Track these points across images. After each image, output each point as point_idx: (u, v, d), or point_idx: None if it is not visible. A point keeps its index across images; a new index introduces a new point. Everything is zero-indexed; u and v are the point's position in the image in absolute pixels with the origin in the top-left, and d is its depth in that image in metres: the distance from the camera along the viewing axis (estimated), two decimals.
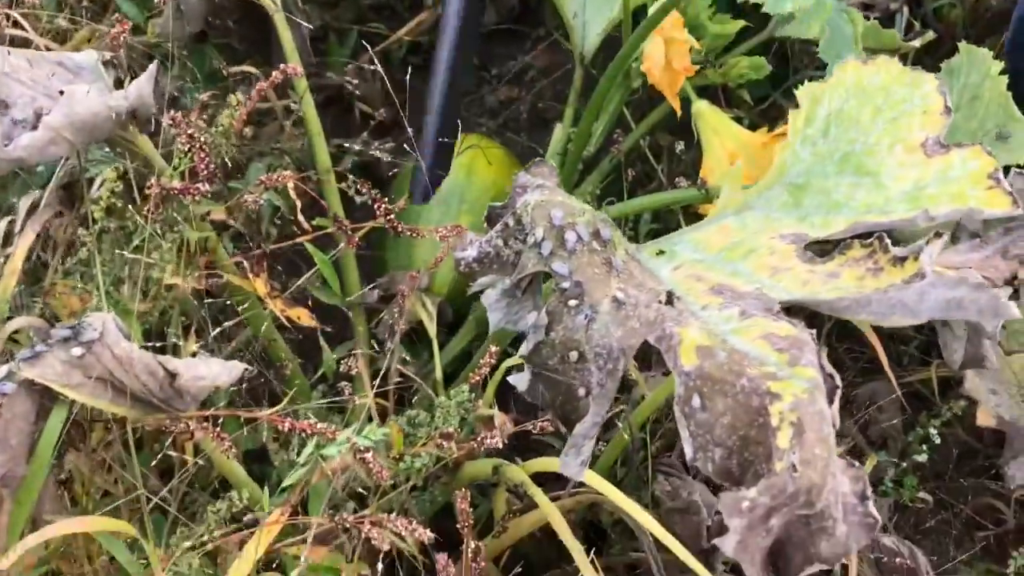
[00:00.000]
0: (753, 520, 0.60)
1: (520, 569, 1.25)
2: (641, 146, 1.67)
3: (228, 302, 1.13)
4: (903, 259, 0.69)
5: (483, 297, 0.80)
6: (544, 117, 1.98)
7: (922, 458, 1.32)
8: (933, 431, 1.31)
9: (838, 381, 0.64)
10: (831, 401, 0.64)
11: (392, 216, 1.02)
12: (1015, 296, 1.17)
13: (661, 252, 0.87)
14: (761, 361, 0.64)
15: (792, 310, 0.78)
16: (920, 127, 0.80)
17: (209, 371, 0.82)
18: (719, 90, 1.63)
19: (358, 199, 1.52)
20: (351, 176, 1.42)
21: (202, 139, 0.90)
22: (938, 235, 0.67)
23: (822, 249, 0.80)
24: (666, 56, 1.31)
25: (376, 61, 2.01)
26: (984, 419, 1.29)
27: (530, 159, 2.05)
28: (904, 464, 1.37)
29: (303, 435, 0.83)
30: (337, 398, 1.09)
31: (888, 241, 0.71)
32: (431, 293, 1.52)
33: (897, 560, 1.20)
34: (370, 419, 1.11)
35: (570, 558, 1.33)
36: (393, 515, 0.83)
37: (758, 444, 0.61)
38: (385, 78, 1.82)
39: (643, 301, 0.74)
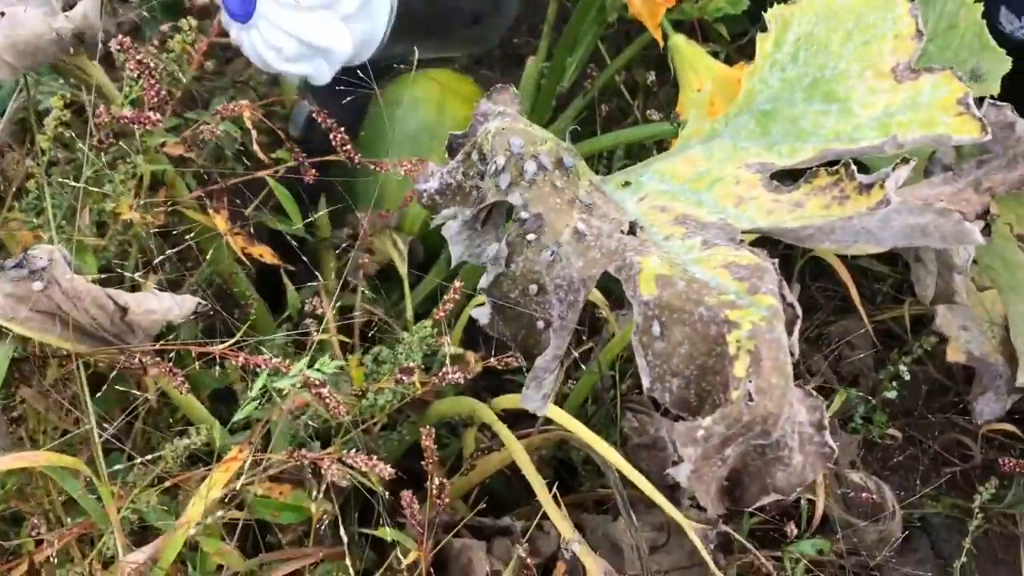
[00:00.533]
0: (708, 450, 0.59)
1: (489, 505, 1.26)
2: (616, 81, 1.64)
3: (188, 239, 1.10)
4: (869, 186, 0.68)
5: (444, 229, 0.78)
6: (518, 53, 1.94)
7: (892, 395, 1.32)
8: (903, 368, 1.31)
9: (798, 310, 0.63)
10: (791, 331, 0.62)
11: (349, 147, 0.99)
12: (987, 230, 1.16)
13: (627, 183, 0.85)
14: (721, 290, 0.63)
15: (763, 243, 0.76)
16: (891, 52, 0.78)
17: (160, 305, 0.80)
18: (696, 24, 1.60)
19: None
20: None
21: (152, 65, 0.87)
22: (905, 161, 0.66)
23: (791, 178, 0.78)
24: None
25: None
26: (954, 355, 1.29)
27: None
28: (874, 401, 1.37)
29: (257, 370, 0.81)
30: (299, 334, 1.07)
31: (854, 168, 0.69)
32: (402, 232, 1.50)
33: (863, 495, 1.20)
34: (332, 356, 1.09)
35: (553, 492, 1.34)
36: (354, 452, 0.82)
37: (715, 374, 0.60)
38: None
39: (605, 231, 0.73)
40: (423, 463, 0.98)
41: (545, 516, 1.24)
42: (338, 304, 1.38)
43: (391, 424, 1.26)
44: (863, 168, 0.75)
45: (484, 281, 0.74)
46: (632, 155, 1.52)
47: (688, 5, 1.47)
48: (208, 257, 1.22)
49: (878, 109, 0.76)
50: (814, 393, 0.61)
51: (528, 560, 0.92)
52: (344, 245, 1.47)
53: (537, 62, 1.54)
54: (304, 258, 1.38)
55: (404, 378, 0.89)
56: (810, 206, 0.71)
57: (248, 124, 0.98)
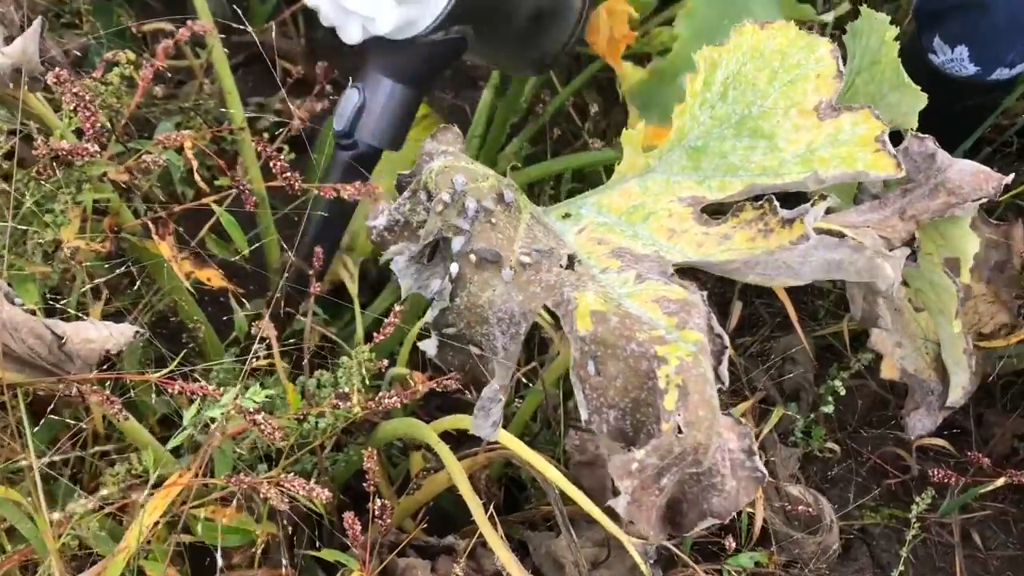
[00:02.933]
0: (645, 480, 0.61)
1: (438, 524, 1.28)
2: (566, 106, 1.67)
3: (138, 265, 1.11)
4: (791, 221, 0.71)
5: (392, 264, 0.80)
6: (472, 76, 1.97)
7: (829, 409, 1.36)
8: (838, 383, 1.35)
9: (726, 341, 0.65)
10: (720, 361, 0.65)
11: (289, 175, 1.00)
12: (912, 256, 1.21)
13: (567, 215, 0.87)
14: (652, 325, 0.65)
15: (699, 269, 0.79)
16: (814, 90, 0.81)
17: (99, 334, 0.80)
18: (643, 57, 1.64)
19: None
20: (266, 134, 1.40)
21: (87, 97, 0.87)
22: (822, 197, 0.69)
23: (722, 211, 0.81)
24: (609, 26, 1.32)
25: (298, 18, 1.98)
26: (888, 372, 1.33)
27: (457, 118, 2.03)
28: (813, 415, 1.41)
29: (194, 397, 0.82)
30: (237, 360, 1.08)
31: (776, 204, 0.72)
32: (353, 253, 1.51)
33: (800, 508, 1.24)
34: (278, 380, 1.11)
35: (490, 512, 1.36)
36: (291, 476, 0.83)
37: (648, 406, 0.63)
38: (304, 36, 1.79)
39: (545, 265, 0.75)
40: (365, 484, 0.99)
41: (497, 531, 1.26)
42: (290, 326, 1.39)
43: (341, 444, 1.27)
44: (800, 199, 0.78)
45: (430, 315, 0.76)
46: (583, 178, 1.55)
47: (637, 40, 1.51)
48: (161, 282, 1.22)
49: (802, 145, 0.80)
50: (742, 421, 0.64)
51: None
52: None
53: (490, 88, 1.56)
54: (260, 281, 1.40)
55: (340, 404, 0.90)
56: (737, 239, 0.74)
57: (189, 153, 0.98)
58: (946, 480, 1.23)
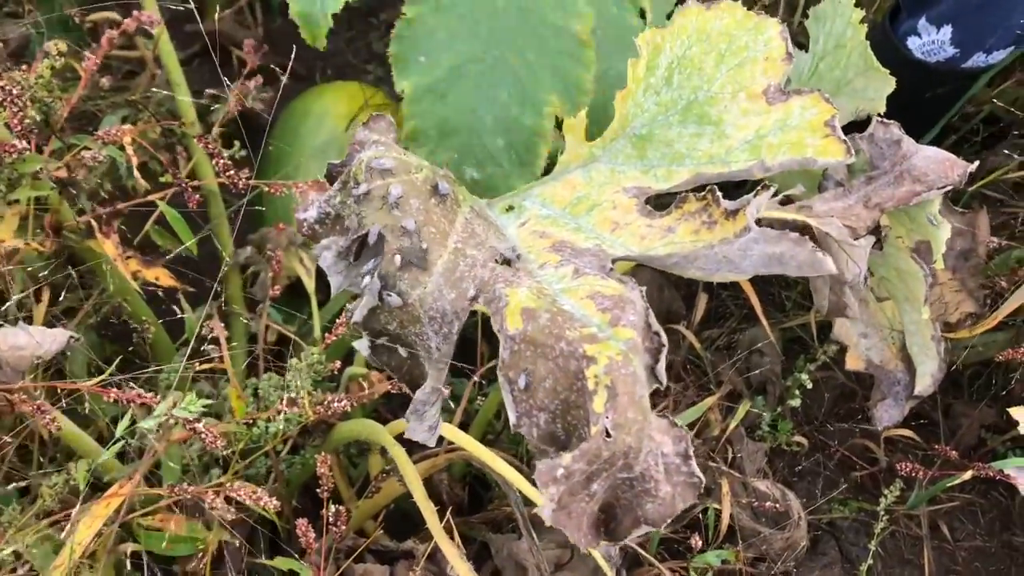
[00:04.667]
0: (573, 486, 0.59)
1: (401, 526, 1.25)
2: None
3: (77, 264, 1.07)
4: (735, 212, 0.68)
5: (320, 260, 0.77)
6: None
7: (795, 403, 1.34)
8: (804, 376, 1.32)
9: (663, 339, 0.63)
10: (656, 360, 0.62)
11: (232, 173, 0.97)
12: (878, 244, 1.19)
13: (511, 208, 0.84)
14: (584, 322, 0.62)
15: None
16: (763, 74, 0.78)
17: (29, 341, 0.77)
18: None
19: (225, 153, 1.46)
20: (215, 128, 1.37)
21: (15, 91, 0.84)
22: (765, 187, 0.66)
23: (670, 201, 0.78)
24: None
25: (255, 6, 1.94)
26: (853, 363, 1.31)
27: None
28: (780, 409, 1.39)
29: (132, 405, 0.79)
30: (193, 360, 1.04)
31: (719, 194, 0.69)
32: (308, 249, 1.48)
33: (767, 504, 1.22)
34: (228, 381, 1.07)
35: (452, 511, 1.33)
36: (238, 483, 0.80)
37: (579, 408, 0.60)
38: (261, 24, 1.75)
39: (480, 260, 0.72)
40: (319, 490, 0.96)
41: (453, 537, 1.23)
42: (245, 326, 1.36)
43: (298, 446, 1.24)
44: (755, 188, 0.75)
45: (358, 315, 0.72)
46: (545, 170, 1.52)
47: None
48: (107, 281, 1.19)
49: (750, 131, 0.77)
50: (678, 424, 0.62)
51: None
52: (251, 265, 1.45)
53: None
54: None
55: (287, 408, 0.87)
56: (681, 231, 0.71)
57: (130, 149, 0.95)
58: (913, 473, 1.21)
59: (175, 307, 1.26)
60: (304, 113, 1.63)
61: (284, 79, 1.65)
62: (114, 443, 0.82)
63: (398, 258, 0.71)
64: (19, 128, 0.85)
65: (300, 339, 1.34)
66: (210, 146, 0.96)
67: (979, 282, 1.35)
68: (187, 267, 1.55)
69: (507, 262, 0.73)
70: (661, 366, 0.63)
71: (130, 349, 1.26)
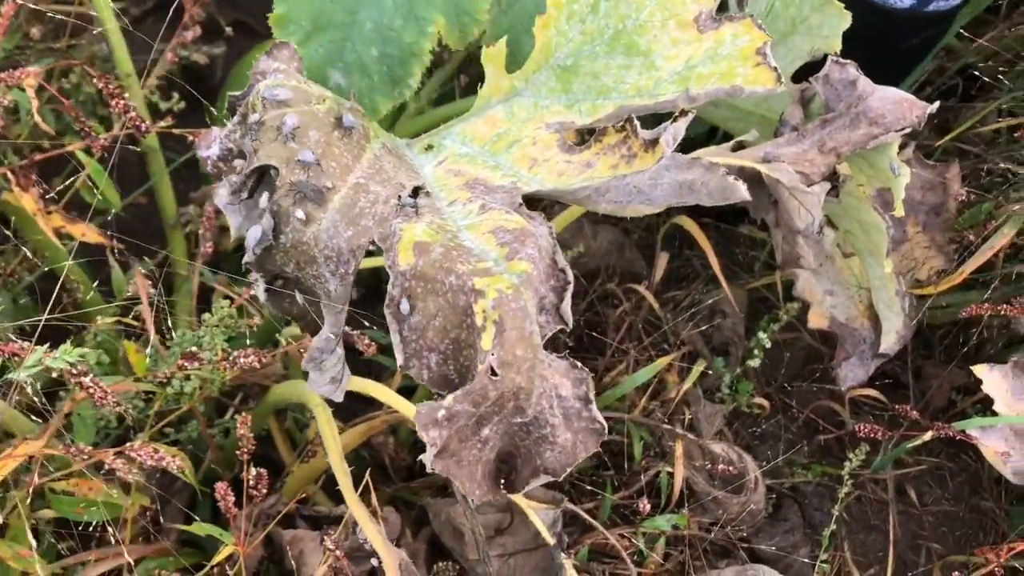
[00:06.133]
0: (461, 431, 0.54)
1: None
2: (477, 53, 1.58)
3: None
4: (654, 143, 0.63)
5: (215, 198, 0.72)
6: None
7: (755, 364, 1.29)
8: (763, 336, 1.28)
9: (569, 276, 0.58)
10: (561, 298, 0.57)
11: (140, 125, 0.91)
12: (834, 192, 1.13)
13: (430, 147, 0.79)
14: (481, 257, 0.57)
15: None
16: (694, 0, 0.73)
17: None
18: None
19: (164, 106, 1.41)
20: (148, 80, 1.31)
21: None
22: (684, 113, 0.61)
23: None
24: None
25: None
26: (816, 321, 1.26)
27: None
28: (739, 370, 1.34)
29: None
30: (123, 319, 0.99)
31: (637, 124, 0.64)
32: None
33: (722, 467, 1.17)
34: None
35: (399, 476, 1.29)
36: (141, 444, 0.75)
37: (470, 347, 0.55)
38: None
39: (383, 197, 0.67)
40: (239, 451, 0.91)
41: (388, 503, 1.19)
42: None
43: (239, 410, 1.19)
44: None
45: (250, 255, 0.67)
46: None
47: None
48: (32, 238, 1.14)
49: (680, 62, 0.72)
50: (579, 365, 0.57)
51: (337, 553, 0.86)
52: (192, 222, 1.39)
53: None
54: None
55: (187, 364, 0.82)
56: (600, 166, 0.66)
57: (31, 92, 0.89)
58: (873, 435, 1.17)
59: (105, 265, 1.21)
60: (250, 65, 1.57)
61: (229, 33, 1.59)
62: None
63: (293, 192, 0.66)
64: None
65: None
66: (110, 89, 0.90)
67: (948, 237, 1.30)
68: (134, 225, 1.50)
69: (415, 197, 0.68)
70: (566, 304, 0.58)
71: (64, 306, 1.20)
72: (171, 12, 1.36)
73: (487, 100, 0.78)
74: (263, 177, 0.71)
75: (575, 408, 0.56)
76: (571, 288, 0.58)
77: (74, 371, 0.69)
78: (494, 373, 0.52)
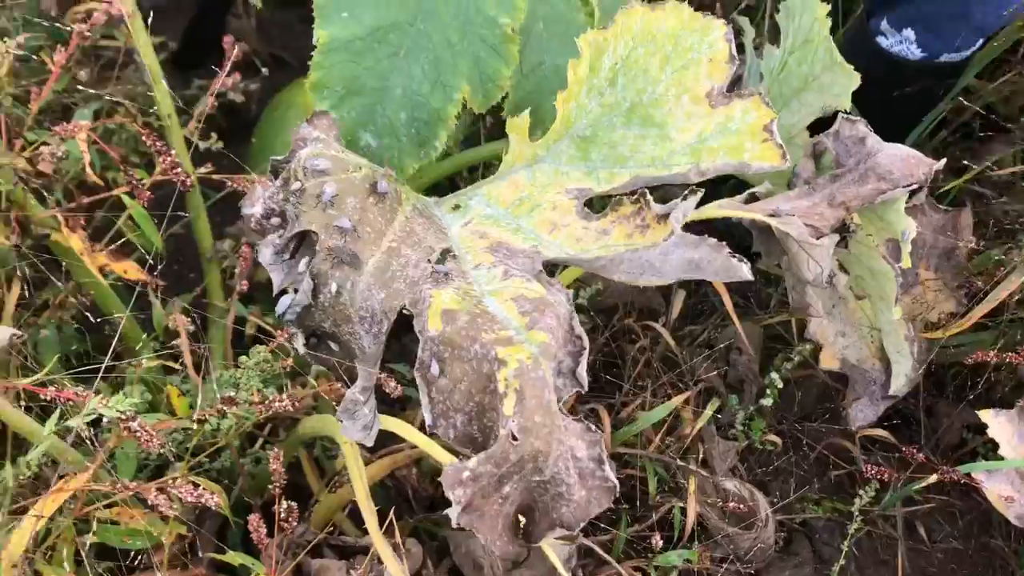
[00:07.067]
0: (484, 489, 0.59)
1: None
2: None
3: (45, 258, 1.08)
4: (666, 216, 0.68)
5: (259, 257, 0.77)
6: None
7: (768, 402, 1.33)
8: (776, 376, 1.31)
9: (585, 342, 0.62)
10: (577, 363, 0.62)
11: (178, 170, 0.97)
12: (844, 243, 1.17)
13: (457, 207, 0.84)
14: (505, 324, 0.62)
15: None
16: (707, 76, 0.78)
17: None
18: None
19: (202, 145, 1.47)
20: (192, 122, 1.37)
21: None
22: (693, 191, 0.66)
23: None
24: None
25: None
26: (827, 362, 1.30)
27: None
28: (752, 407, 1.38)
29: (70, 403, 0.80)
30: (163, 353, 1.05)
31: (651, 198, 0.69)
32: None
33: (733, 504, 1.21)
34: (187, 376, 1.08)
35: (421, 507, 1.33)
36: (179, 481, 0.80)
37: (493, 411, 0.60)
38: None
39: (413, 260, 0.72)
40: (271, 486, 0.97)
41: (411, 534, 1.24)
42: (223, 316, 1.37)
43: (269, 441, 1.25)
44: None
45: (291, 313, 0.73)
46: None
47: None
48: (78, 275, 1.20)
49: (692, 134, 0.76)
50: (593, 428, 0.61)
51: None
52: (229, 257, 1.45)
53: None
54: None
55: (226, 408, 0.88)
56: (615, 234, 0.71)
57: (82, 145, 0.95)
58: (881, 476, 1.20)
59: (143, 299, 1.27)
60: (288, 105, 1.63)
61: (265, 71, 1.66)
62: (42, 446, 0.82)
63: (331, 257, 0.71)
64: None
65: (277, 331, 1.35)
66: (159, 144, 0.96)
67: (958, 282, 1.33)
68: (171, 261, 1.56)
69: (442, 262, 0.73)
70: (582, 368, 0.63)
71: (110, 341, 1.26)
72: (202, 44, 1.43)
73: (511, 165, 0.83)
74: (304, 239, 0.76)
75: (589, 468, 0.60)
76: (586, 353, 0.63)
77: (123, 417, 0.75)
78: (515, 437, 0.57)
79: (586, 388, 0.63)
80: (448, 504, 1.29)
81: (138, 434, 0.76)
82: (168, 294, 1.30)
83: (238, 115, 1.80)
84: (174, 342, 1.17)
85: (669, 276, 0.65)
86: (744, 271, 0.64)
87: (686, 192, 0.67)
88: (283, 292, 1.21)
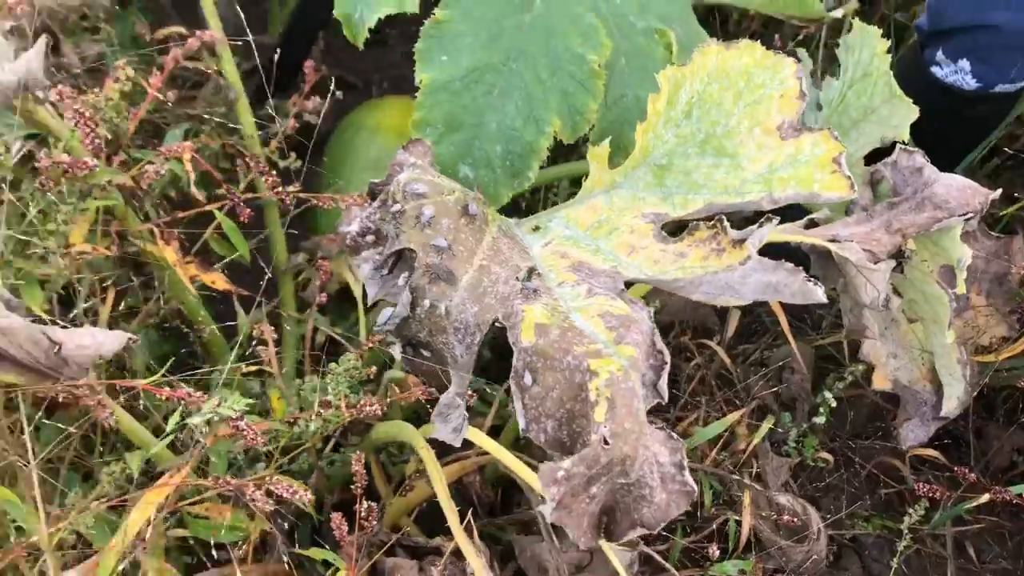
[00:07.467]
0: (574, 488, 0.64)
1: (436, 524, 1.31)
2: None
3: (139, 268, 1.16)
4: (741, 241, 0.73)
5: (359, 272, 0.84)
6: None
7: (821, 420, 1.37)
8: (829, 395, 1.35)
9: (667, 357, 0.68)
10: (659, 376, 0.67)
11: (280, 189, 1.04)
12: (899, 268, 1.22)
13: (537, 228, 0.90)
14: (592, 339, 0.68)
15: None
16: (778, 111, 0.83)
17: (93, 340, 0.85)
18: None
19: (282, 164, 1.54)
20: (272, 142, 1.45)
21: (86, 114, 0.92)
22: (769, 219, 0.71)
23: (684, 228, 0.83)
24: None
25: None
26: (879, 382, 1.33)
27: None
28: (806, 425, 1.42)
29: (183, 401, 0.86)
30: (246, 359, 1.12)
31: (727, 224, 0.74)
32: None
33: (786, 517, 1.25)
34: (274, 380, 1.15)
35: (484, 512, 1.39)
36: (276, 478, 0.87)
37: (582, 417, 0.65)
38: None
39: (503, 277, 0.78)
40: (353, 486, 1.03)
41: (480, 536, 1.29)
42: (297, 327, 1.44)
43: (340, 444, 1.31)
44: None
45: (391, 323, 0.79)
46: (579, 185, 1.58)
47: None
48: (167, 284, 1.28)
49: (763, 165, 0.82)
50: (675, 436, 0.67)
51: None
52: (303, 270, 1.52)
53: None
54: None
55: (322, 411, 0.94)
56: (692, 257, 0.76)
57: (188, 165, 1.03)
58: (932, 495, 1.24)
59: (229, 309, 1.34)
60: (358, 126, 1.71)
61: (339, 94, 1.73)
62: (165, 437, 0.89)
63: (428, 273, 0.77)
64: (91, 147, 0.93)
65: (348, 341, 1.42)
66: (260, 166, 1.04)
67: (1010, 307, 1.36)
68: (244, 272, 1.64)
69: (528, 279, 0.79)
70: (663, 382, 0.68)
71: (183, 350, 1.34)
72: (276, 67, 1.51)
73: (590, 191, 0.89)
74: (400, 256, 0.83)
75: (670, 473, 0.66)
76: (667, 368, 0.68)
77: (234, 416, 0.81)
78: (605, 442, 0.62)
79: (666, 400, 0.68)
80: (510, 511, 1.35)
81: (245, 432, 0.82)
82: (242, 304, 1.37)
83: (306, 133, 1.88)
84: (255, 349, 1.24)
85: (747, 297, 0.70)
86: (819, 294, 0.69)
87: (761, 220, 0.72)
88: (371, 305, 1.28)
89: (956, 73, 1.41)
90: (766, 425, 1.33)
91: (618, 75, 1.03)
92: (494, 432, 1.37)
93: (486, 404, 1.39)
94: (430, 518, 1.33)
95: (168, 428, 0.87)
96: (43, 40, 0.92)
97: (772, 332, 1.61)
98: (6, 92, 0.89)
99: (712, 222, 0.76)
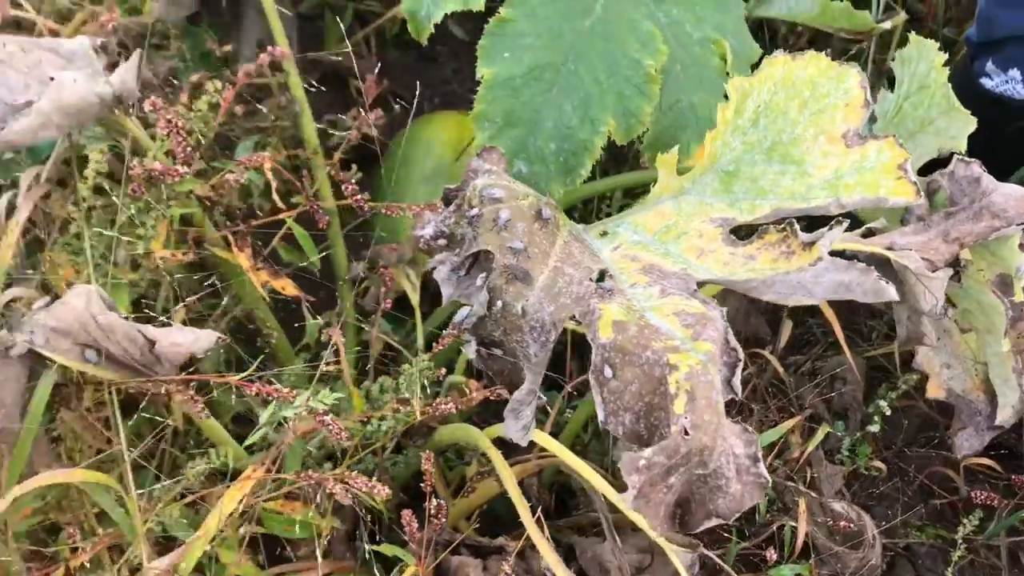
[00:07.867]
0: (653, 477, 0.67)
1: (493, 525, 1.34)
2: None
3: (213, 274, 1.21)
4: (811, 244, 0.76)
5: (435, 273, 0.87)
6: None
7: (875, 429, 1.38)
8: (884, 403, 1.37)
9: (741, 354, 0.70)
10: (733, 373, 0.70)
11: (359, 196, 1.08)
12: (956, 277, 1.23)
13: (605, 233, 0.93)
14: (669, 335, 0.71)
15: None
16: (843, 119, 0.86)
17: (185, 339, 0.89)
18: None
19: (342, 176, 1.59)
20: (336, 154, 1.50)
21: (179, 123, 0.97)
22: (839, 222, 0.73)
23: (750, 232, 0.86)
24: None
25: (370, 37, 2.08)
26: (934, 391, 1.34)
27: None
28: (859, 434, 1.43)
29: (269, 398, 0.90)
30: (313, 363, 1.16)
31: (798, 227, 0.77)
32: (415, 265, 1.59)
33: (841, 524, 1.27)
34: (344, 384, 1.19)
35: (542, 514, 1.42)
36: (354, 474, 0.90)
37: (661, 410, 0.68)
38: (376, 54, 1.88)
39: (576, 278, 0.81)
40: (423, 484, 1.06)
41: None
42: (355, 333, 1.48)
43: (401, 447, 1.35)
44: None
45: (468, 322, 0.82)
46: (631, 195, 1.61)
47: None
48: (239, 290, 1.32)
49: (829, 171, 0.84)
50: (750, 429, 0.69)
51: None
52: (363, 279, 1.57)
53: None
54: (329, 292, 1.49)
55: (400, 408, 0.98)
56: (761, 260, 0.79)
57: (268, 174, 1.07)
58: (989, 502, 1.24)
59: (289, 315, 1.39)
60: (414, 140, 1.75)
61: (396, 107, 1.78)
62: (259, 429, 0.94)
63: (506, 273, 0.81)
64: (182, 155, 0.98)
65: (404, 348, 1.46)
66: (338, 175, 1.08)
67: None
68: (303, 279, 1.69)
69: (601, 281, 0.82)
70: (737, 378, 0.71)
71: (260, 352, 1.38)
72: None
73: (658, 196, 0.92)
74: (476, 258, 0.86)
75: (745, 464, 0.68)
76: (741, 364, 0.71)
77: (323, 411, 0.85)
78: (686, 433, 0.65)
79: (740, 396, 0.71)
80: (569, 514, 1.38)
81: (330, 427, 0.86)
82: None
83: (361, 146, 1.93)
84: (321, 352, 1.28)
85: (819, 296, 0.73)
86: (892, 292, 0.72)
87: (832, 223, 0.75)
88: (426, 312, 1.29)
89: (1007, 83, 1.42)
90: (821, 432, 1.35)
91: (673, 81, 1.06)
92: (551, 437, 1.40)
93: (542, 413, 1.42)
94: (489, 520, 1.36)
95: (263, 420, 0.91)
96: (137, 53, 0.97)
97: (823, 343, 1.63)
98: (105, 103, 0.94)
99: (782, 226, 0.79)
